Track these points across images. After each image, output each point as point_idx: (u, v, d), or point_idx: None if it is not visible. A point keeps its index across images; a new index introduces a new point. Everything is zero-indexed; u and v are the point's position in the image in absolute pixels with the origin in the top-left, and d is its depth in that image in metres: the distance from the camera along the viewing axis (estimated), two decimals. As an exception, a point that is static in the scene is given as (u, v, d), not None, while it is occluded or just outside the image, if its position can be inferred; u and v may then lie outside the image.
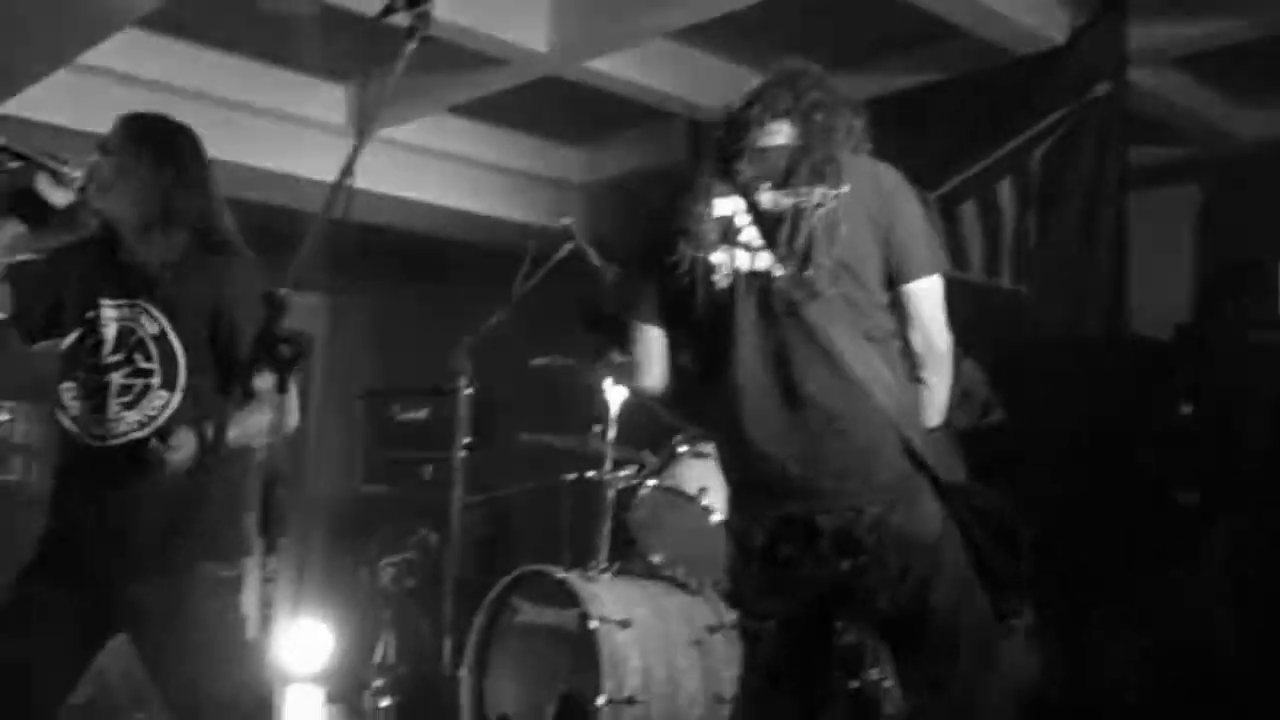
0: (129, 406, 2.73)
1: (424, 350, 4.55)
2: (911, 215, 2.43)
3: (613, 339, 3.14)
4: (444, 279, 7.37)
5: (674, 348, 2.59)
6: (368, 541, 5.72)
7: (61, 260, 2.87)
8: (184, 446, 2.58)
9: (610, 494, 4.12)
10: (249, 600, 2.75)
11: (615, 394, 4.16)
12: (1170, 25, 4.73)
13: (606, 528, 4.11)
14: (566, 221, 4.34)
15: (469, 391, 4.60)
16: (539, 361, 4.34)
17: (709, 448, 4.07)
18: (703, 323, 2.44)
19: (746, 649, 2.58)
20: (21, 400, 6.06)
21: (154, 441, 2.61)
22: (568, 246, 4.32)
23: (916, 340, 2.42)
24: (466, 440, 4.62)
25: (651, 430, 4.31)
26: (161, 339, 2.74)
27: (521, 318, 4.33)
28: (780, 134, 2.46)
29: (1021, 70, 4.77)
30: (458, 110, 5.97)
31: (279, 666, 4.30)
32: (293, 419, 2.76)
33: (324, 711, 5.52)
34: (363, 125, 1.98)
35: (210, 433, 2.62)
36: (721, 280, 2.39)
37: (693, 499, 3.95)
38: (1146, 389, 4.70)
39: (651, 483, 4.05)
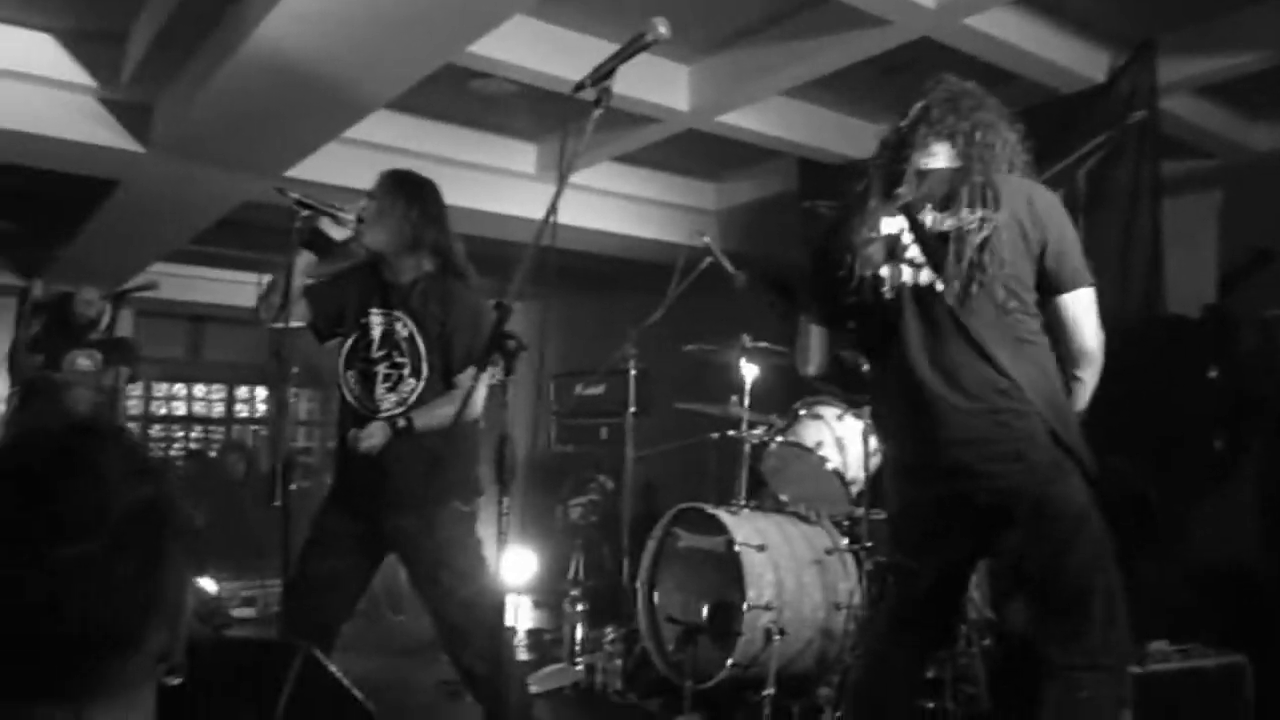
0: (390, 390, 2.87)
1: (600, 341, 4.64)
2: (1064, 233, 2.21)
3: (779, 300, 3.05)
4: (613, 287, 7.47)
5: (833, 343, 2.45)
6: (560, 487, 5.82)
7: (342, 280, 3.03)
8: (374, 436, 2.73)
9: (746, 448, 4.12)
10: (483, 529, 2.87)
11: (748, 371, 4.18)
12: (1193, 61, 4.50)
13: (744, 474, 4.12)
14: (705, 240, 4.35)
15: (635, 371, 4.68)
16: (690, 347, 4.37)
17: (822, 410, 4.07)
18: (871, 330, 2.29)
19: (891, 580, 2.48)
20: (311, 386, 6.36)
21: (352, 432, 2.79)
22: (707, 259, 4.35)
23: (1070, 344, 2.23)
24: (633, 409, 4.69)
25: (777, 398, 4.32)
26: (410, 340, 2.87)
27: (674, 314, 4.37)
28: (941, 156, 2.24)
29: (1069, 104, 4.60)
30: (619, 158, 6.02)
31: (503, 579, 4.45)
32: (478, 407, 2.85)
33: (533, 614, 5.68)
34: (563, 173, 2.01)
35: (401, 422, 2.76)
36: (888, 292, 2.22)
37: (811, 450, 3.93)
38: (1181, 358, 4.51)
39: (779, 439, 4.04)
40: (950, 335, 2.17)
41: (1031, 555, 2.16)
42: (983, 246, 2.13)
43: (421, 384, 2.85)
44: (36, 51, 4.58)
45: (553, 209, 1.99)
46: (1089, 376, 2.27)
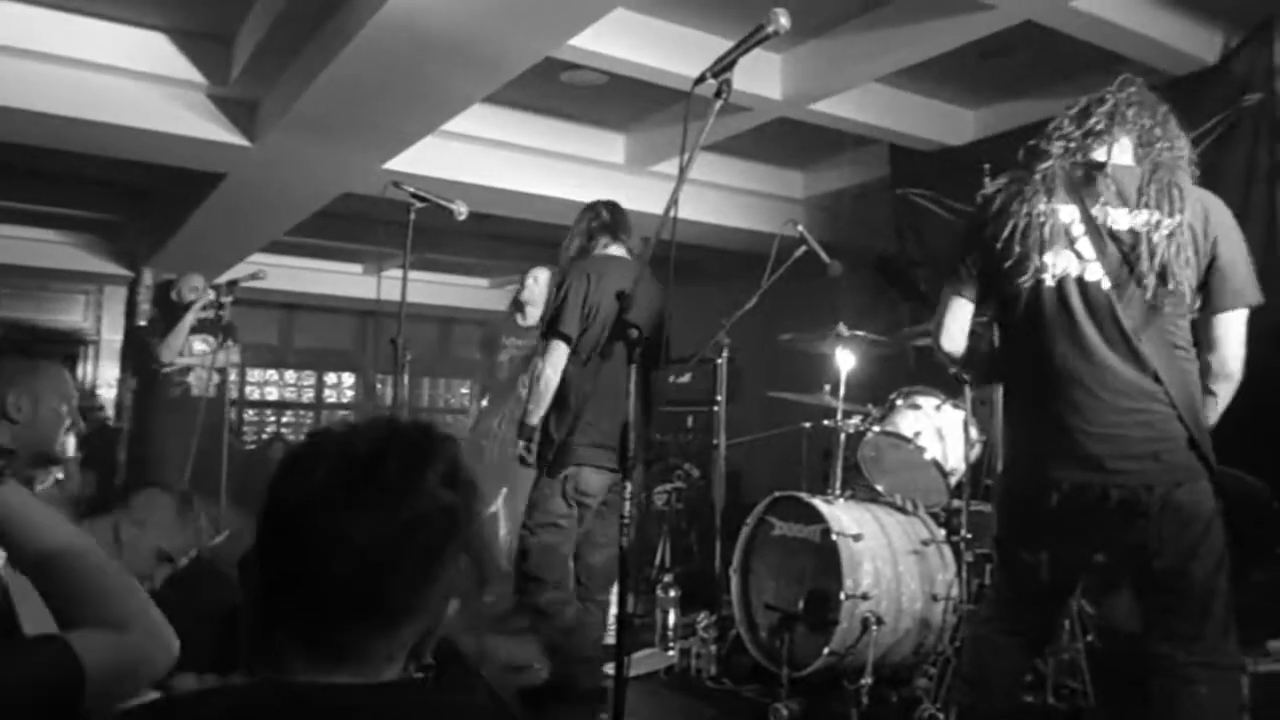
0: None
1: (692, 329, 4.64)
2: (1235, 251, 2.20)
3: (898, 288, 3.05)
4: (703, 276, 7.47)
5: (976, 320, 2.40)
6: (645, 474, 5.86)
7: None
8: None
9: (842, 437, 4.08)
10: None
11: (843, 359, 4.16)
12: (1312, 40, 4.35)
13: (839, 463, 4.08)
14: (799, 229, 4.31)
15: (725, 360, 4.67)
16: (786, 337, 4.35)
17: (920, 400, 4.03)
18: (1023, 311, 2.24)
19: (1005, 571, 2.43)
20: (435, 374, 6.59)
21: None
22: (801, 248, 4.32)
23: (1215, 359, 2.23)
24: (721, 397, 4.68)
25: (872, 388, 4.29)
26: None
27: (766, 303, 4.33)
28: (1125, 152, 2.23)
29: (1181, 87, 4.45)
30: (708, 147, 6.01)
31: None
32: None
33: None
34: (683, 167, 2.04)
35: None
36: (1050, 279, 2.20)
37: (909, 440, 3.89)
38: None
39: (875, 428, 4.01)
40: (1106, 331, 2.16)
41: (1161, 554, 2.14)
42: (1156, 251, 2.13)
43: None
44: (149, 49, 4.78)
45: (673, 202, 2.03)
46: (1225, 393, 2.26)
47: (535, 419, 3.25)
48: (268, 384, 11.61)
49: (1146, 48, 4.28)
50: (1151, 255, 2.13)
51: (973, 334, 2.41)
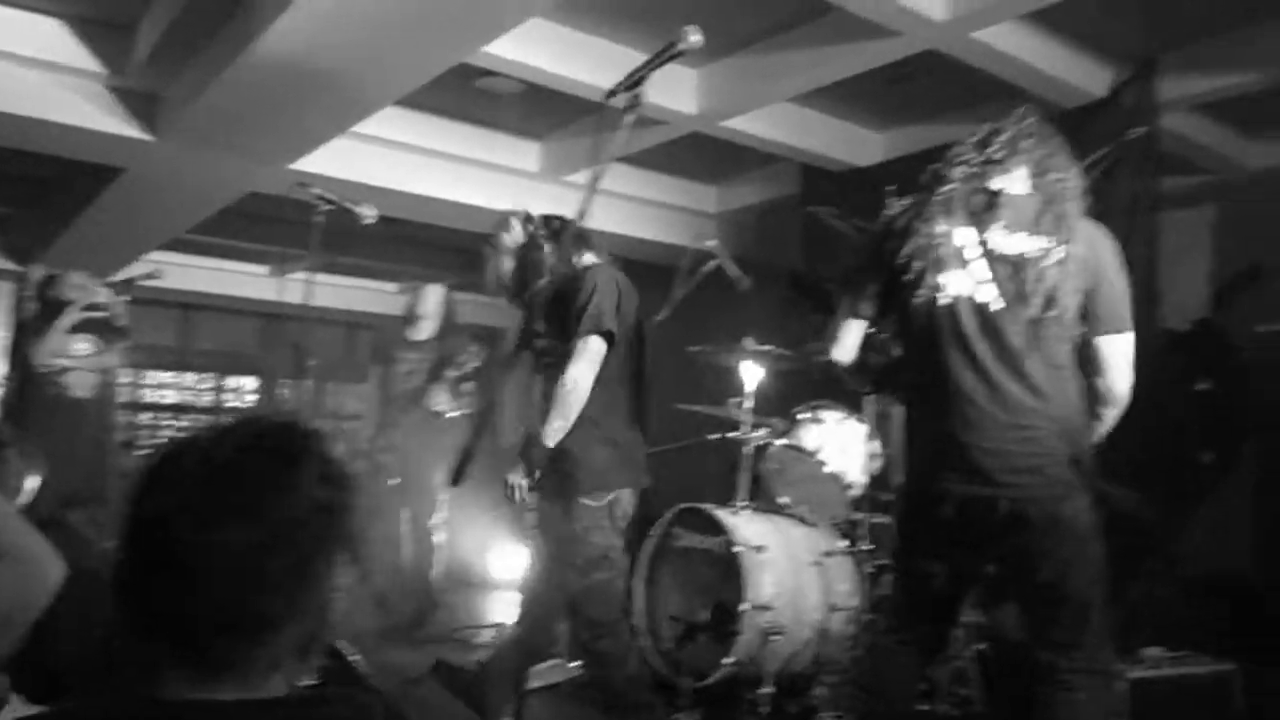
0: None
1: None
2: (1117, 280, 2.31)
3: (808, 303, 3.08)
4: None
5: (868, 339, 2.48)
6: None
7: None
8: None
9: (748, 450, 4.14)
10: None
11: (751, 373, 4.22)
12: (1193, 79, 4.58)
13: (745, 476, 4.13)
14: (712, 243, 4.37)
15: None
16: (695, 349, 4.38)
17: (824, 414, 4.12)
18: (920, 328, 2.33)
19: (903, 581, 2.52)
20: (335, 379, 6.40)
21: None
22: (713, 262, 4.37)
23: (1101, 382, 2.33)
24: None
25: (779, 401, 4.36)
26: None
27: (677, 316, 4.36)
28: (1021, 181, 2.31)
29: (1071, 118, 4.66)
30: (625, 160, 6.05)
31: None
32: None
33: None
34: (594, 179, 2.05)
35: None
36: (945, 299, 2.29)
37: (812, 454, 3.99)
38: (1172, 371, 4.59)
39: (780, 441, 4.09)
40: (995, 350, 2.26)
41: (1043, 566, 2.24)
42: (1044, 276, 2.23)
43: None
44: (46, 37, 4.57)
45: (582, 215, 2.03)
46: (1110, 415, 2.37)
47: (561, 436, 2.81)
48: (165, 386, 11.21)
49: (1040, 80, 4.47)
50: (1040, 280, 2.23)
51: (871, 346, 2.49)
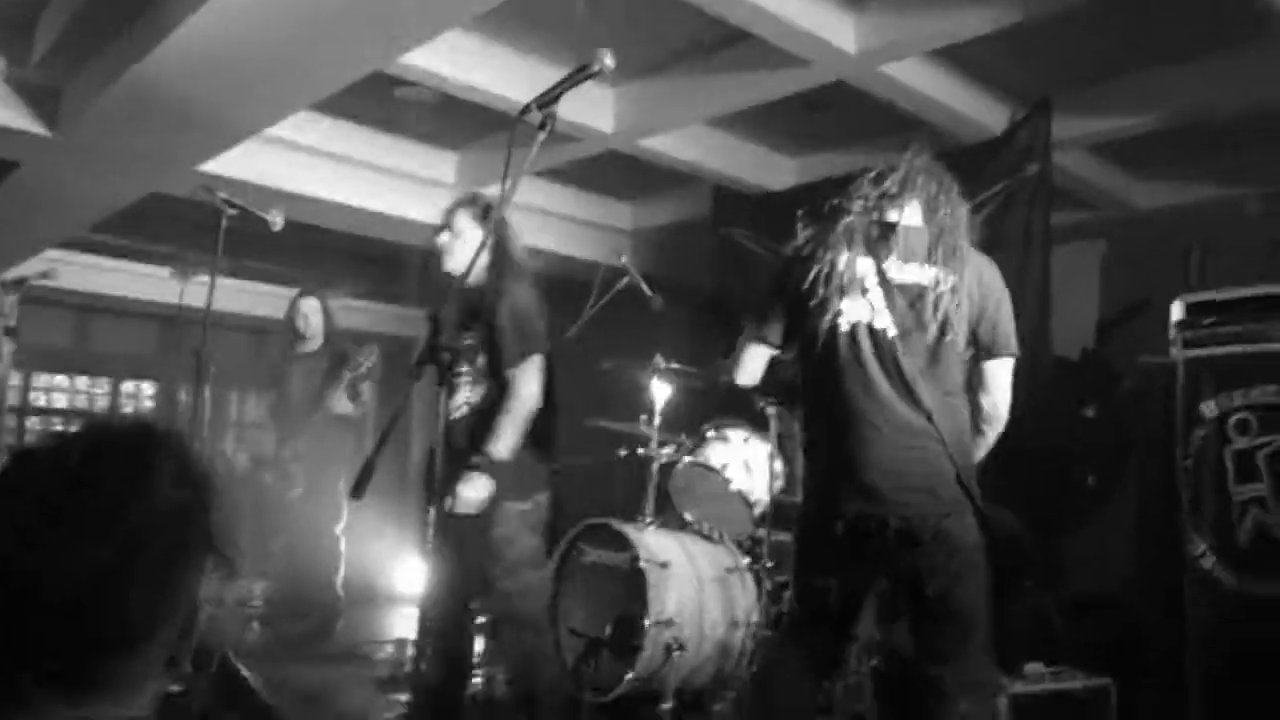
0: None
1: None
2: (1003, 307, 2.44)
3: (718, 324, 3.10)
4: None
5: (773, 359, 2.56)
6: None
7: None
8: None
9: (654, 467, 4.18)
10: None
11: (659, 391, 4.26)
12: (1084, 120, 4.82)
13: (651, 492, 4.17)
14: (624, 260, 4.41)
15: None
16: (606, 365, 4.40)
17: (729, 433, 4.19)
18: (820, 352, 2.41)
19: (798, 597, 2.58)
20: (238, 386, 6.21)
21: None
22: (625, 279, 4.41)
23: (986, 402, 2.46)
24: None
25: (686, 419, 4.41)
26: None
27: (587, 331, 4.37)
28: (915, 215, 2.43)
29: (971, 153, 4.84)
30: (541, 174, 6.08)
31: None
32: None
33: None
34: (505, 195, 2.06)
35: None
36: (844, 325, 2.38)
37: (717, 472, 4.04)
38: (1061, 398, 4.78)
39: (686, 459, 4.13)
40: (889, 374, 2.36)
41: (930, 581, 2.33)
42: (938, 304, 2.35)
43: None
44: (-62, 25, 4.40)
45: (494, 228, 2.05)
46: (992, 434, 2.51)
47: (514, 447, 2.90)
48: (55, 390, 10.76)
49: (944, 115, 4.65)
50: (935, 308, 2.35)
51: (779, 362, 2.57)
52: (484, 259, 2.91)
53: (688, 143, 5.42)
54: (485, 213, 3.10)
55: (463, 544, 2.92)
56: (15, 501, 0.86)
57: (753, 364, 2.56)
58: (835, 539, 2.39)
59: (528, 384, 2.91)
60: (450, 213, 3.12)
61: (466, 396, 2.99)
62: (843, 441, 2.38)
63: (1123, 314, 5.37)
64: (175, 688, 0.94)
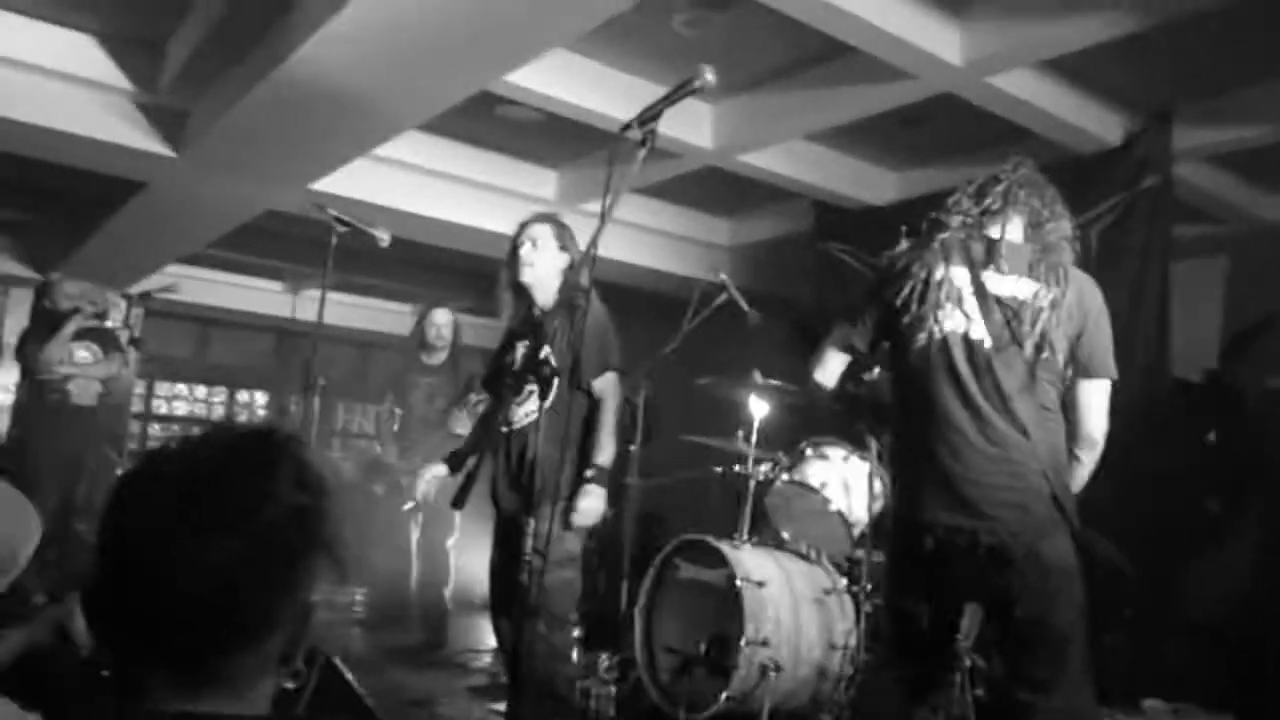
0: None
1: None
2: (1103, 328, 2.38)
3: (810, 342, 3.09)
4: (625, 317, 7.50)
5: (855, 365, 2.56)
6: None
7: None
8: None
9: (751, 484, 4.12)
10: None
11: (757, 407, 4.22)
12: (1207, 131, 4.61)
13: (748, 509, 4.10)
14: (722, 277, 4.39)
15: (643, 401, 4.67)
16: (703, 381, 4.39)
17: (828, 451, 4.12)
18: (913, 362, 2.38)
19: (892, 620, 2.54)
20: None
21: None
22: (723, 295, 4.39)
23: (1079, 425, 2.38)
24: (638, 438, 4.69)
25: (784, 436, 4.36)
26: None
27: (686, 347, 4.36)
28: (1017, 230, 2.39)
29: (1085, 165, 4.69)
30: (640, 190, 6.11)
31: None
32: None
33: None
34: (605, 211, 2.07)
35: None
36: (939, 335, 2.35)
37: (816, 490, 3.97)
38: (1182, 421, 4.57)
39: (784, 477, 4.08)
40: (983, 386, 2.31)
41: (1023, 602, 2.26)
42: (1038, 320, 2.29)
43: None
44: (76, 51, 4.67)
45: (593, 244, 2.06)
46: (1088, 459, 2.41)
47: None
48: (177, 398, 11.29)
49: (1055, 126, 4.50)
50: (1034, 323, 2.30)
51: (857, 378, 2.58)
52: (559, 273, 3.09)
53: (787, 158, 5.38)
54: (560, 229, 3.18)
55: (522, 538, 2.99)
56: (148, 499, 0.90)
57: (833, 364, 2.55)
58: (925, 558, 2.34)
59: (616, 396, 3.07)
60: (528, 225, 3.17)
61: (531, 407, 3.03)
62: (934, 451, 2.33)
63: (1248, 333, 5.10)
64: (289, 685, 0.96)
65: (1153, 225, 4.48)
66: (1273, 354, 4.81)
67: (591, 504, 2.99)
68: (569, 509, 2.98)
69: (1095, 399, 2.38)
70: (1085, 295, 2.37)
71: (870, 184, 5.78)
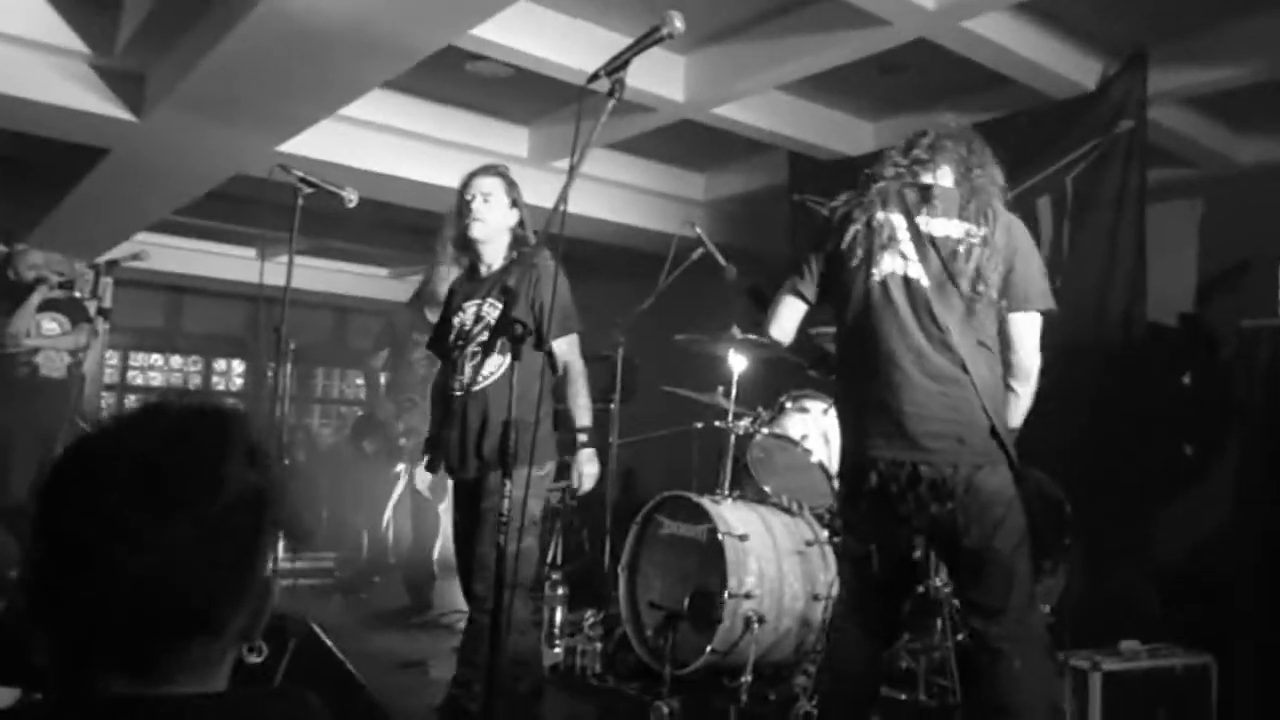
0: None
1: (589, 325, 4.69)
2: (1031, 263, 2.47)
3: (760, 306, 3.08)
4: (600, 273, 7.46)
5: (808, 315, 2.62)
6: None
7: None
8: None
9: (732, 438, 4.13)
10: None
11: (736, 362, 4.21)
12: (1183, 72, 4.57)
13: (729, 464, 4.13)
14: (697, 231, 4.34)
15: (620, 358, 4.65)
16: (681, 337, 4.36)
17: (808, 404, 4.12)
18: (856, 304, 2.46)
19: (847, 564, 2.61)
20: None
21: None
22: (699, 250, 4.35)
23: (1013, 358, 2.47)
24: (617, 395, 4.68)
25: (763, 390, 4.35)
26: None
27: (663, 303, 4.34)
28: (947, 177, 2.50)
29: (1061, 110, 4.66)
30: (613, 146, 6.03)
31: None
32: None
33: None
34: (574, 164, 2.03)
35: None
36: (878, 275, 2.43)
37: (796, 443, 3.97)
38: (1157, 364, 4.59)
39: (764, 430, 4.08)
40: (922, 322, 2.39)
41: (968, 534, 2.33)
42: (969, 256, 2.40)
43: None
44: (30, 15, 4.52)
45: (563, 198, 2.02)
46: (1024, 391, 2.50)
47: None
48: (152, 369, 11.17)
49: (1031, 71, 4.46)
50: (967, 260, 2.39)
51: (806, 333, 2.68)
52: (508, 230, 3.05)
53: (761, 110, 5.31)
54: (510, 185, 3.10)
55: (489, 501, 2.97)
56: (94, 480, 0.86)
57: (786, 318, 2.60)
58: (869, 496, 2.41)
59: (579, 356, 3.09)
60: (476, 177, 3.08)
61: (491, 369, 2.97)
62: (875, 387, 2.40)
63: (1223, 276, 5.12)
64: (255, 659, 0.94)
65: (1128, 170, 4.45)
66: (1247, 296, 4.83)
67: (593, 468, 3.10)
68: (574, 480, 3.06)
69: (1027, 331, 2.46)
70: (1014, 232, 2.47)
71: (847, 135, 5.72)
